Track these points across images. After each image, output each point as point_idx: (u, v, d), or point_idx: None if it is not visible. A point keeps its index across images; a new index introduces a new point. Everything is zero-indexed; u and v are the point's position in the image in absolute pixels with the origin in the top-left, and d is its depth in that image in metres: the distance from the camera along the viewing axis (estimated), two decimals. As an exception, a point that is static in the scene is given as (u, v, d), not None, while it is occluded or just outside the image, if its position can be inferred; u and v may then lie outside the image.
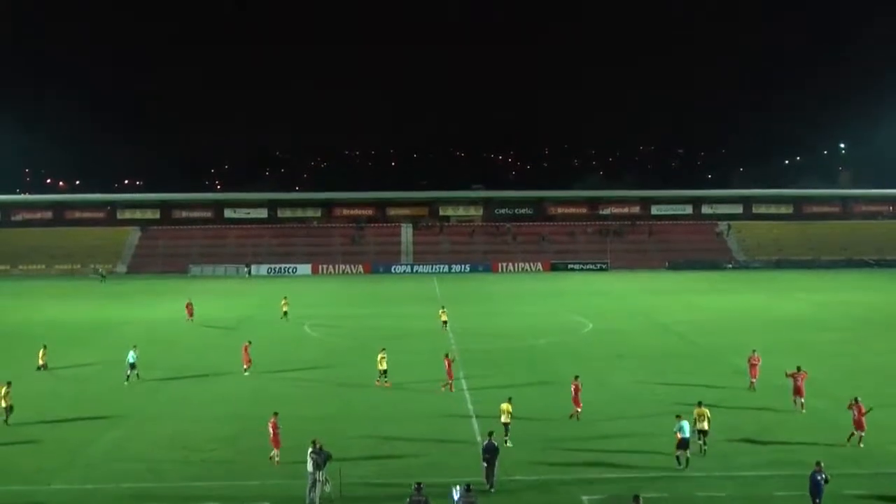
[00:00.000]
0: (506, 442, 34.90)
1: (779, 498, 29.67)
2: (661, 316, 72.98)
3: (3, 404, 39.27)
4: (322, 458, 29.74)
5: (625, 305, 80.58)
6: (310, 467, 29.44)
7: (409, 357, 53.52)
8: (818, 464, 27.05)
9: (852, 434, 35.75)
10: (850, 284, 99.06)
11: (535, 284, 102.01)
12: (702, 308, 78.39)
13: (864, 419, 35.78)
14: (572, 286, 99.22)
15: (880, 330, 65.30)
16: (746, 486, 30.96)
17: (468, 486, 27.74)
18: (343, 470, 30.56)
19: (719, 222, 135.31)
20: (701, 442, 34.41)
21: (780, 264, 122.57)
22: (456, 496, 27.64)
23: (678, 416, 34.10)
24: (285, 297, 74.71)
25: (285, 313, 71.19)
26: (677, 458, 33.16)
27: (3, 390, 39.46)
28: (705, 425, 34.57)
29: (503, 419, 35.92)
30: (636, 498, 25.08)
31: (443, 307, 66.77)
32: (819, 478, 27.14)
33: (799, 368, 41.12)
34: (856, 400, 36.55)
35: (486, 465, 30.92)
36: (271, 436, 34.08)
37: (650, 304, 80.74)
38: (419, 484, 27.69)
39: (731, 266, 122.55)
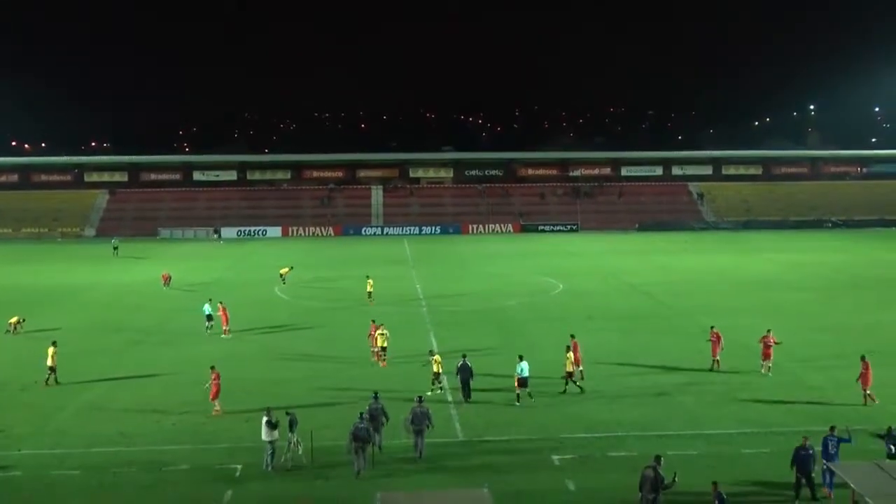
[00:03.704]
0: (432, 389, 35.21)
1: (746, 455, 29.98)
2: (631, 277, 73.32)
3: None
4: (291, 422, 29.78)
5: (595, 266, 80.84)
6: (265, 435, 29.20)
7: (380, 319, 53.46)
8: (805, 439, 26.67)
9: (766, 366, 39.43)
10: (819, 245, 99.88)
11: (506, 246, 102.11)
12: (671, 269, 78.82)
13: (771, 350, 39.54)
14: (543, 247, 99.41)
15: (847, 290, 65.94)
16: (715, 444, 31.26)
17: (375, 394, 31.47)
18: (314, 433, 30.48)
19: (692, 188, 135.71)
20: (570, 384, 37.43)
21: (749, 225, 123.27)
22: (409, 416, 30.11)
23: (520, 357, 36.70)
24: (291, 267, 73.60)
25: (282, 276, 70.52)
26: (517, 395, 35.84)
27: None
28: (569, 367, 37.58)
29: (434, 368, 37.22)
30: (658, 458, 25.01)
31: (368, 276, 63.77)
32: (804, 453, 26.32)
33: (769, 331, 40.99)
34: (767, 332, 39.89)
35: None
36: (213, 390, 34.66)
37: (620, 266, 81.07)
38: (376, 393, 31.25)
39: (701, 227, 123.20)
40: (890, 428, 27.74)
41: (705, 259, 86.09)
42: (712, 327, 42.87)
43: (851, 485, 21.74)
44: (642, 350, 45.85)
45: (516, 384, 36.26)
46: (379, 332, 43.02)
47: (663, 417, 34.45)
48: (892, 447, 27.05)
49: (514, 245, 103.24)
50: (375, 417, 30.97)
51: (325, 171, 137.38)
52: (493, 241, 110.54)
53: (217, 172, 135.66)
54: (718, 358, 41.63)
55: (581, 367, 39.52)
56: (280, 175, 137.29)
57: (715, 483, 24.02)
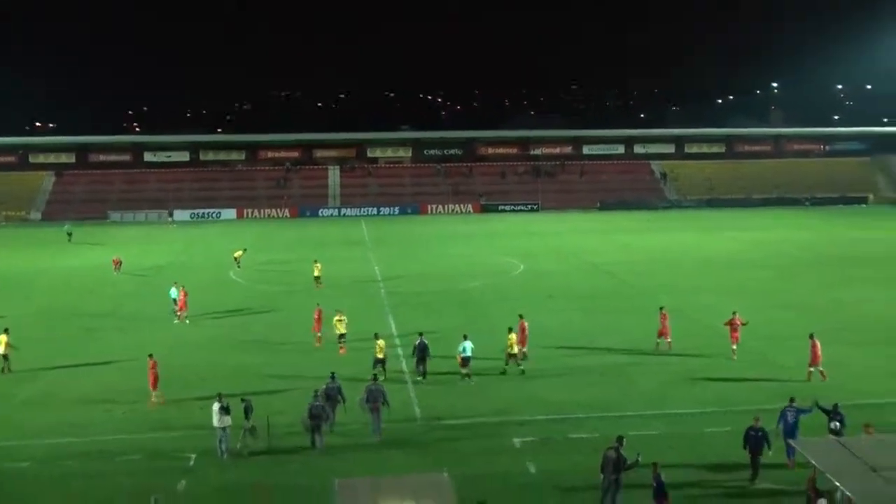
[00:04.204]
0: (374, 375, 35.25)
1: (708, 434, 30.35)
2: (593, 256, 73.69)
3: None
4: (247, 409, 29.68)
5: (556, 246, 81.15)
6: (216, 422, 29.08)
7: (338, 303, 53.36)
8: (756, 419, 27.02)
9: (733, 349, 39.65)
10: (782, 222, 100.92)
11: (466, 226, 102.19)
12: (633, 248, 79.32)
13: (738, 333, 39.81)
14: (503, 227, 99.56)
15: (810, 267, 66.69)
16: (676, 424, 31.61)
17: (332, 374, 32.21)
18: (270, 420, 30.40)
19: (654, 166, 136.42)
20: (511, 366, 38.02)
21: (712, 203, 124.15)
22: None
23: (464, 336, 37.45)
24: (244, 249, 72.90)
25: (236, 259, 69.95)
26: (462, 374, 36.72)
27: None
28: (514, 349, 38.11)
29: (378, 355, 37.11)
30: (619, 439, 25.21)
31: (316, 261, 62.67)
32: (754, 433, 26.67)
33: (734, 313, 41.03)
34: (733, 314, 40.26)
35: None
36: (151, 379, 34.49)
37: (581, 245, 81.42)
38: (333, 373, 32.12)
39: (662, 206, 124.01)
40: (836, 405, 28.13)
41: (668, 238, 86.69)
42: (661, 308, 43.05)
43: (812, 461, 22.01)
44: (604, 330, 46.17)
45: (459, 362, 36.98)
46: (337, 318, 42.56)
47: (624, 398, 34.77)
48: (837, 423, 27.39)
49: (475, 225, 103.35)
50: (332, 397, 31.26)
51: (281, 152, 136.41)
52: (453, 221, 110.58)
53: (169, 153, 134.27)
54: (670, 340, 41.74)
55: (525, 349, 39.88)
56: (234, 156, 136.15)
57: (655, 464, 24.20)
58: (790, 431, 28.10)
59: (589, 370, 38.75)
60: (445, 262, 71.73)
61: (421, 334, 38.09)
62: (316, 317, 44.11)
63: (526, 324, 40.50)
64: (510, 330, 38.71)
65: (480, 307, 52.60)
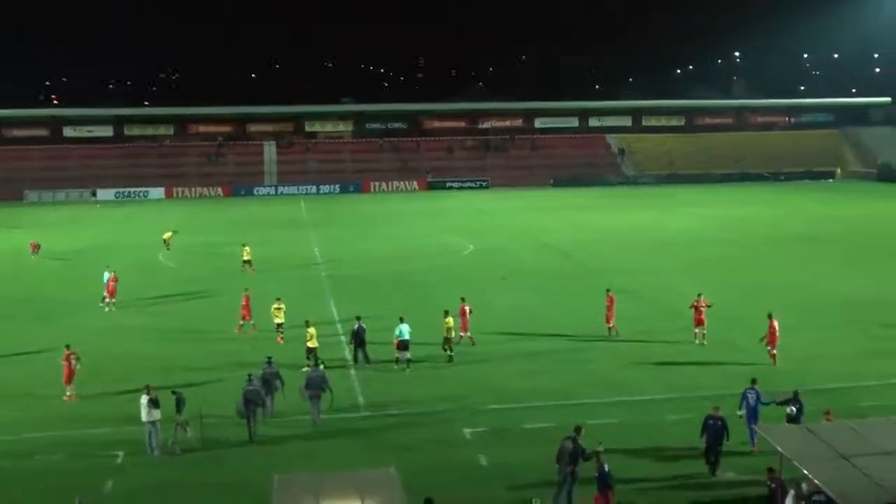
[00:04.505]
0: (308, 365, 35.33)
1: (670, 422, 30.54)
2: (546, 235, 73.92)
3: None
4: (178, 402, 29.28)
5: (507, 225, 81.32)
6: (145, 416, 28.67)
7: (275, 287, 53.00)
8: (715, 408, 26.98)
9: (701, 333, 39.96)
10: (745, 198, 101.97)
11: (411, 204, 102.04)
12: (588, 226, 79.67)
13: (703, 316, 39.88)
14: (451, 205, 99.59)
15: (775, 246, 67.45)
16: (637, 412, 31.76)
17: (269, 359, 32.66)
18: (204, 413, 30.04)
19: (610, 140, 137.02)
20: (448, 351, 38.07)
21: (671, 179, 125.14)
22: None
23: (400, 319, 37.37)
24: (174, 231, 71.95)
25: (165, 241, 69.06)
26: (396, 359, 36.89)
27: None
28: (451, 334, 38.09)
29: (309, 343, 36.92)
30: (577, 429, 25.17)
31: (244, 244, 61.44)
32: (713, 422, 26.54)
33: (699, 296, 40.96)
34: (698, 296, 40.37)
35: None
36: (66, 372, 33.99)
37: (534, 224, 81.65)
38: (269, 358, 32.58)
39: (618, 182, 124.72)
40: (796, 392, 28.36)
41: (625, 216, 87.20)
42: (608, 290, 43.00)
43: (778, 448, 22.19)
44: (558, 313, 46.31)
45: (395, 347, 37.04)
46: (276, 306, 42.09)
47: (582, 385, 34.88)
48: (793, 409, 27.58)
49: (421, 203, 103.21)
50: (269, 382, 31.19)
51: (212, 126, 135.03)
52: (398, 199, 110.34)
53: (90, 128, 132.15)
54: (613, 324, 41.71)
55: (469, 333, 40.15)
56: (162, 130, 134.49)
57: (598, 454, 24.18)
58: (752, 414, 28.46)
59: (544, 356, 38.83)
60: (390, 243, 71.52)
61: (358, 318, 38.24)
62: (243, 303, 43.73)
63: (468, 307, 40.62)
64: (446, 314, 38.60)
65: (427, 290, 52.50)
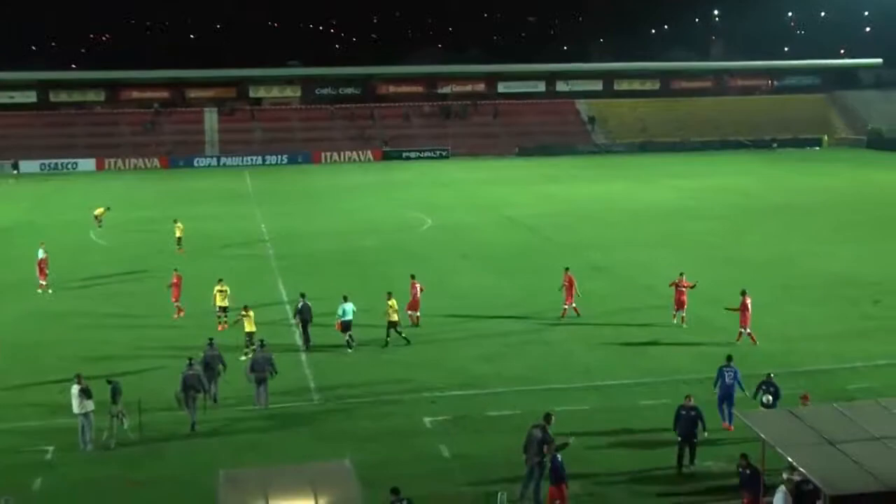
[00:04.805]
0: (245, 353, 35.38)
1: (644, 408, 30.81)
2: (511, 209, 74.11)
3: None
4: (114, 392, 29.10)
5: (469, 198, 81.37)
6: (76, 408, 28.36)
7: (218, 267, 52.81)
8: (688, 397, 26.90)
9: (679, 316, 40.01)
10: (724, 168, 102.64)
11: (365, 176, 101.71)
12: (557, 199, 79.96)
13: (685, 298, 39.92)
14: (408, 177, 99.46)
15: (757, 218, 68.14)
16: (609, 397, 32.03)
17: (210, 340, 32.68)
18: (142, 403, 29.87)
19: (580, 106, 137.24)
20: (393, 335, 37.99)
21: (645, 147, 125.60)
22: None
23: (344, 298, 37.67)
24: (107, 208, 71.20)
25: (97, 218, 68.35)
26: (348, 341, 37.21)
27: None
28: (395, 317, 37.96)
29: (247, 328, 36.97)
30: (547, 416, 25.22)
31: (176, 220, 60.86)
32: (685, 412, 26.37)
33: (681, 275, 41.10)
34: (679, 276, 40.51)
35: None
36: None
37: (497, 196, 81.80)
38: (211, 339, 32.76)
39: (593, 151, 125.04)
40: (769, 375, 28.54)
41: (596, 187, 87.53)
42: (566, 269, 43.07)
43: (761, 435, 22.35)
44: (525, 293, 46.48)
45: (338, 328, 37.36)
46: (218, 288, 41.64)
47: (550, 369, 35.10)
48: (769, 397, 27.72)
49: (375, 175, 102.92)
50: (211, 366, 31.24)
51: (147, 91, 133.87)
52: (351, 170, 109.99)
53: (11, 93, 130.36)
54: (575, 305, 41.89)
55: (418, 313, 40.44)
56: (91, 96, 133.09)
57: (549, 444, 24.22)
58: (728, 394, 28.80)
59: (508, 337, 39.01)
60: (342, 218, 71.39)
61: (303, 295, 38.45)
62: (174, 282, 43.55)
63: (419, 286, 40.79)
64: (389, 295, 38.52)
65: (381, 268, 52.42)
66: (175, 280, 43.55)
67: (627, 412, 30.49)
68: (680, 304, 40.39)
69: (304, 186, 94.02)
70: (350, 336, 37.36)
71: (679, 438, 26.33)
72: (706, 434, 26.94)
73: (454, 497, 25.01)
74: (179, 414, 29.81)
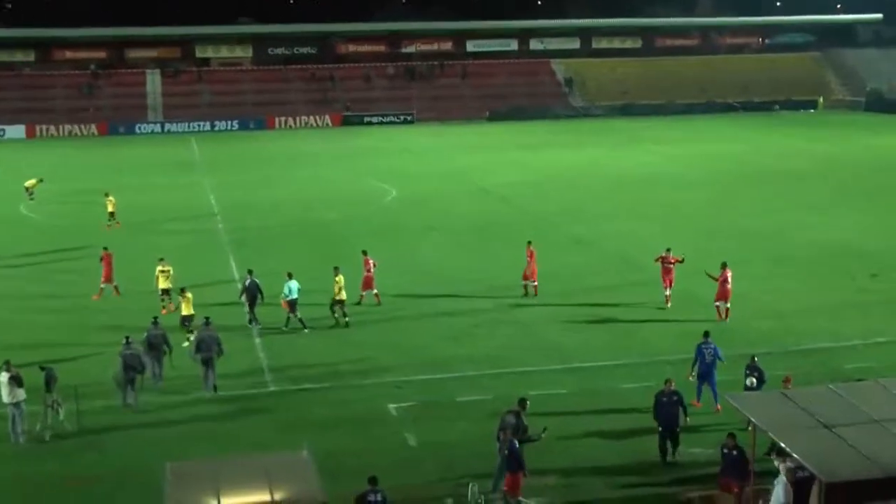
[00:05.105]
0: (188, 339, 35.13)
1: (626, 391, 30.87)
2: (482, 178, 74.13)
3: None
4: (48, 379, 28.87)
5: (436, 166, 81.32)
6: (5, 397, 28.05)
7: (164, 243, 52.56)
8: (668, 382, 26.73)
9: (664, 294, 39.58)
10: (712, 133, 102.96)
11: (323, 143, 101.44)
12: (531, 167, 79.99)
13: (672, 275, 39.67)
14: (370, 143, 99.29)
15: (747, 185, 68.47)
16: (588, 380, 32.10)
17: (155, 319, 32.80)
18: (79, 391, 29.72)
19: (555, 66, 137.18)
20: (338, 314, 38.28)
21: (626, 110, 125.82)
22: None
23: (288, 275, 37.91)
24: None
25: (28, 190, 67.79)
26: (301, 321, 37.49)
27: None
28: (343, 295, 37.99)
29: (185, 311, 37.00)
30: (522, 402, 25.21)
31: (107, 193, 59.86)
32: (666, 399, 26.23)
33: (668, 250, 40.67)
34: (666, 251, 40.10)
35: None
36: None
37: (467, 164, 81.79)
38: (155, 318, 32.98)
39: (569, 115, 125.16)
40: (753, 358, 28.59)
41: (574, 154, 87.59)
42: (529, 242, 43.01)
43: (752, 419, 22.36)
44: (497, 267, 46.42)
45: (284, 306, 37.46)
46: (160, 269, 41.14)
47: (524, 350, 35.16)
48: (753, 380, 27.77)
49: (335, 141, 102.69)
50: (155, 346, 31.20)
51: (83, 51, 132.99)
52: (308, 137, 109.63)
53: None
54: (536, 283, 41.75)
55: (375, 291, 40.41)
56: (20, 56, 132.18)
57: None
58: (708, 372, 29.06)
59: (479, 316, 39.04)
60: (300, 189, 71.20)
61: (250, 272, 38.62)
62: (104, 259, 43.18)
63: (372, 262, 40.79)
64: (336, 270, 38.44)
65: (342, 243, 52.23)
66: (104, 257, 43.19)
67: (607, 396, 30.57)
68: (668, 283, 40.05)
69: (258, 154, 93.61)
70: (298, 316, 37.53)
71: (660, 428, 26.15)
72: (688, 420, 26.98)
73: (422, 489, 24.91)
74: (118, 399, 29.68)
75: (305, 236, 54.78)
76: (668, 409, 26.07)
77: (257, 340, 36.63)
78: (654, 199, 63.74)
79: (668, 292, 40.05)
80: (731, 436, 23.56)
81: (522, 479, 23.54)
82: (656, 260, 41.01)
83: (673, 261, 40.21)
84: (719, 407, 28.51)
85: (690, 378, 29.22)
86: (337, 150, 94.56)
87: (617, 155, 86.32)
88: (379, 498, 21.28)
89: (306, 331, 37.26)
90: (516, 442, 23.74)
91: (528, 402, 25.41)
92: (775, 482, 21.46)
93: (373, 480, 21.38)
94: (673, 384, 26.61)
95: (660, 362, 32.73)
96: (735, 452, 23.18)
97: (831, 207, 60.17)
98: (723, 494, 23.69)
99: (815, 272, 44.90)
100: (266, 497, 18.88)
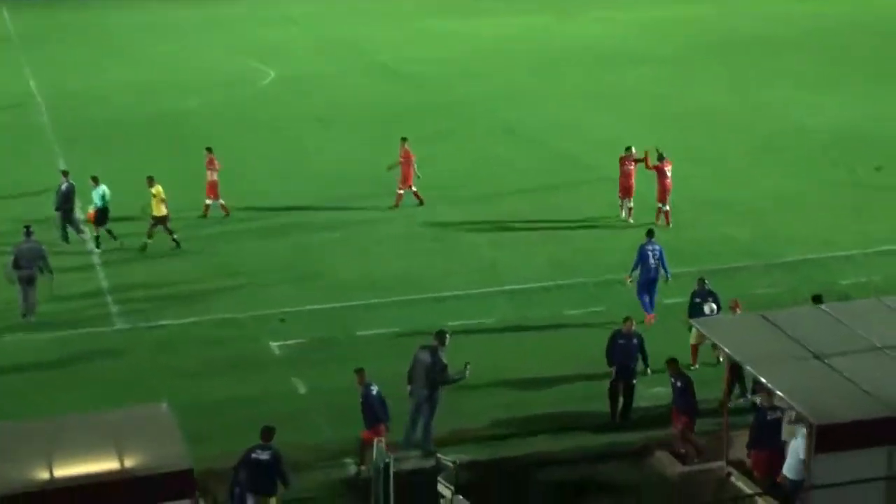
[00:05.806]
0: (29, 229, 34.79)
1: (570, 318, 31.23)
2: (384, 52, 73.91)
3: None
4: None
5: (325, 38, 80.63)
6: None
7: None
8: (628, 320, 26.43)
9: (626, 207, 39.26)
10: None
11: (181, 10, 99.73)
12: (451, 38, 79.34)
13: (633, 180, 38.87)
14: (240, 10, 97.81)
15: (718, 58, 68.75)
16: (524, 305, 32.38)
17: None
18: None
19: None
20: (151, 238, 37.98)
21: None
22: None
23: (93, 180, 38.15)
24: None
25: None
26: (97, 238, 37.80)
27: None
28: (163, 209, 37.44)
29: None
30: (440, 334, 24.88)
31: None
32: (624, 341, 26.00)
33: (628, 149, 39.81)
34: (627, 150, 39.41)
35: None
36: None
37: (365, 35, 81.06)
38: (28, 227, 32.75)
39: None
40: (702, 280, 28.55)
41: (507, 22, 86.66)
42: (403, 139, 42.69)
43: (725, 349, 22.31)
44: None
45: (91, 219, 37.71)
46: None
47: (440, 270, 35.46)
48: (713, 306, 27.65)
49: (195, 7, 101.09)
50: (26, 266, 31.43)
51: None
52: (161, 1, 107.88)
53: None
54: (416, 189, 41.59)
55: (222, 201, 40.49)
56: None
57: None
58: (653, 279, 29.89)
59: (380, 228, 39.35)
60: (151, 70, 70.18)
61: (65, 174, 38.90)
62: None
63: (217, 163, 40.70)
64: (151, 180, 37.75)
65: (205, 139, 51.32)
66: None
67: (547, 325, 30.89)
68: (626, 192, 39.28)
69: (94, 25, 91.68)
70: (109, 230, 37.62)
71: (613, 374, 25.90)
72: (649, 372, 26.61)
73: (314, 448, 24.88)
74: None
75: (159, 131, 54.15)
76: (624, 353, 25.93)
77: (97, 262, 36.48)
78: (605, 77, 63.96)
79: (630, 204, 39.38)
80: (673, 362, 23.84)
81: (384, 430, 23.43)
82: (621, 161, 39.51)
83: (633, 165, 39.11)
84: (653, 316, 29.08)
85: (628, 282, 29.62)
86: (197, 19, 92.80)
87: (558, 24, 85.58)
88: (266, 457, 21.07)
89: (99, 247, 37.47)
90: (374, 387, 23.79)
91: (447, 336, 25.28)
92: (793, 438, 20.80)
93: (267, 433, 21.22)
94: (633, 324, 26.45)
95: (611, 282, 33.00)
96: (679, 383, 23.47)
97: (823, 83, 60.55)
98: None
99: (802, 165, 45.34)
100: (114, 464, 18.16)
